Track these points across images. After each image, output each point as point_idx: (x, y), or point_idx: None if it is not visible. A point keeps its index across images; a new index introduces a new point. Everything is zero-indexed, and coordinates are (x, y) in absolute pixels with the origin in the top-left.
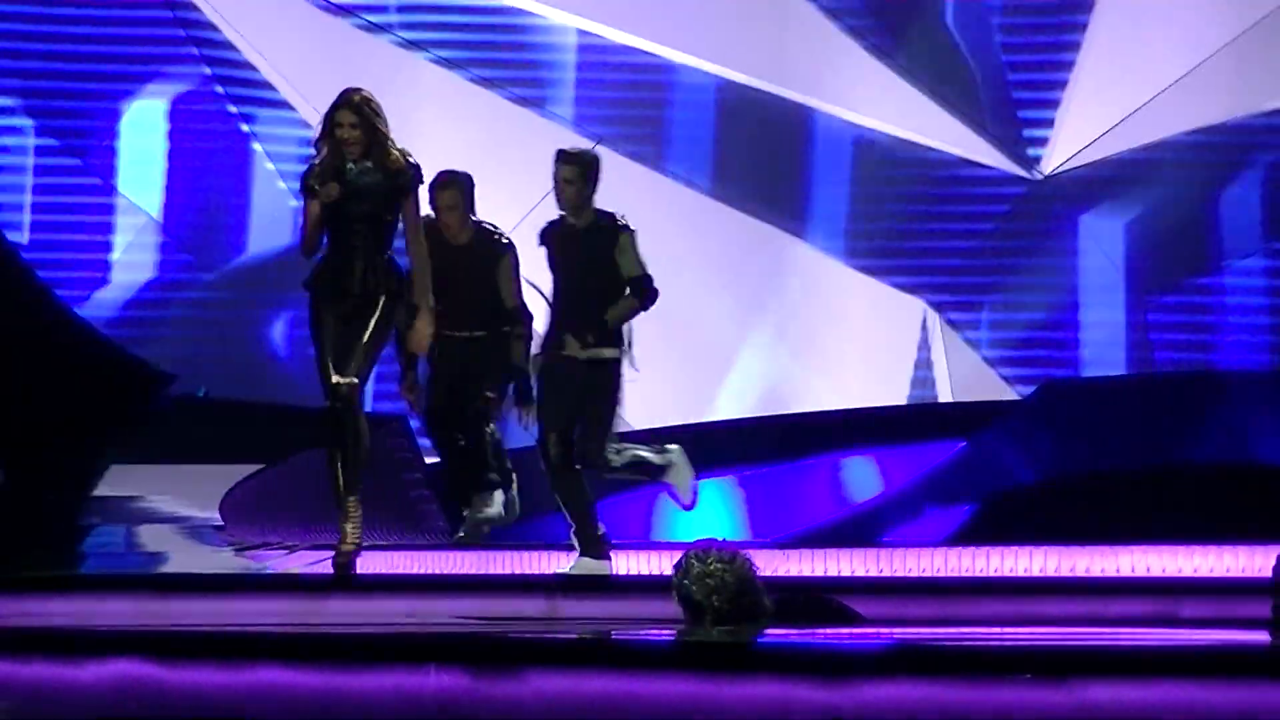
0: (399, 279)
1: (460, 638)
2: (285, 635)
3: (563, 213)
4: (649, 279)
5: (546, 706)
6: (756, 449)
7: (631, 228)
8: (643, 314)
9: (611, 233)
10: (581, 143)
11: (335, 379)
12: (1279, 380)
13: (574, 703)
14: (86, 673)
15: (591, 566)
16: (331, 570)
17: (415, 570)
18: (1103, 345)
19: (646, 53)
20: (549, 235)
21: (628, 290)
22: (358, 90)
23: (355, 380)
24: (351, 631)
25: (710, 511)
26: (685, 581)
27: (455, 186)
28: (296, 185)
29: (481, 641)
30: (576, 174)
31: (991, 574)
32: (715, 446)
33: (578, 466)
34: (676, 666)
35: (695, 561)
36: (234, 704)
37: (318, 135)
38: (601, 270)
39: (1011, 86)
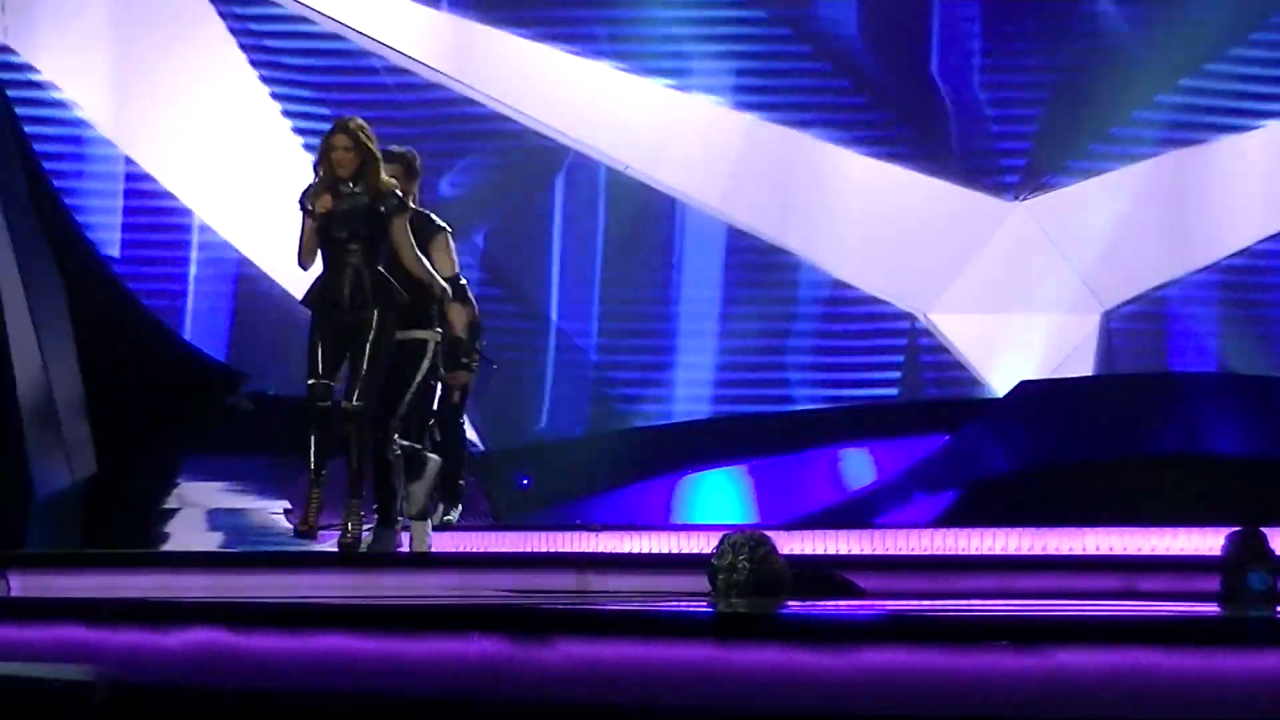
0: (392, 294)
1: (499, 609)
2: (344, 606)
3: None
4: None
5: (575, 670)
6: (767, 440)
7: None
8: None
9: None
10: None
11: (312, 380)
12: (1225, 382)
13: (600, 667)
14: (170, 640)
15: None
16: (339, 551)
17: (459, 549)
18: (1071, 351)
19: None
20: None
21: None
22: (353, 118)
23: (361, 403)
24: (403, 603)
25: (725, 497)
26: (716, 563)
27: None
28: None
29: (518, 612)
30: (400, 171)
31: (972, 552)
32: (731, 438)
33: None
34: (694, 635)
35: (728, 548)
36: (299, 668)
37: (316, 158)
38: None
39: (990, 121)
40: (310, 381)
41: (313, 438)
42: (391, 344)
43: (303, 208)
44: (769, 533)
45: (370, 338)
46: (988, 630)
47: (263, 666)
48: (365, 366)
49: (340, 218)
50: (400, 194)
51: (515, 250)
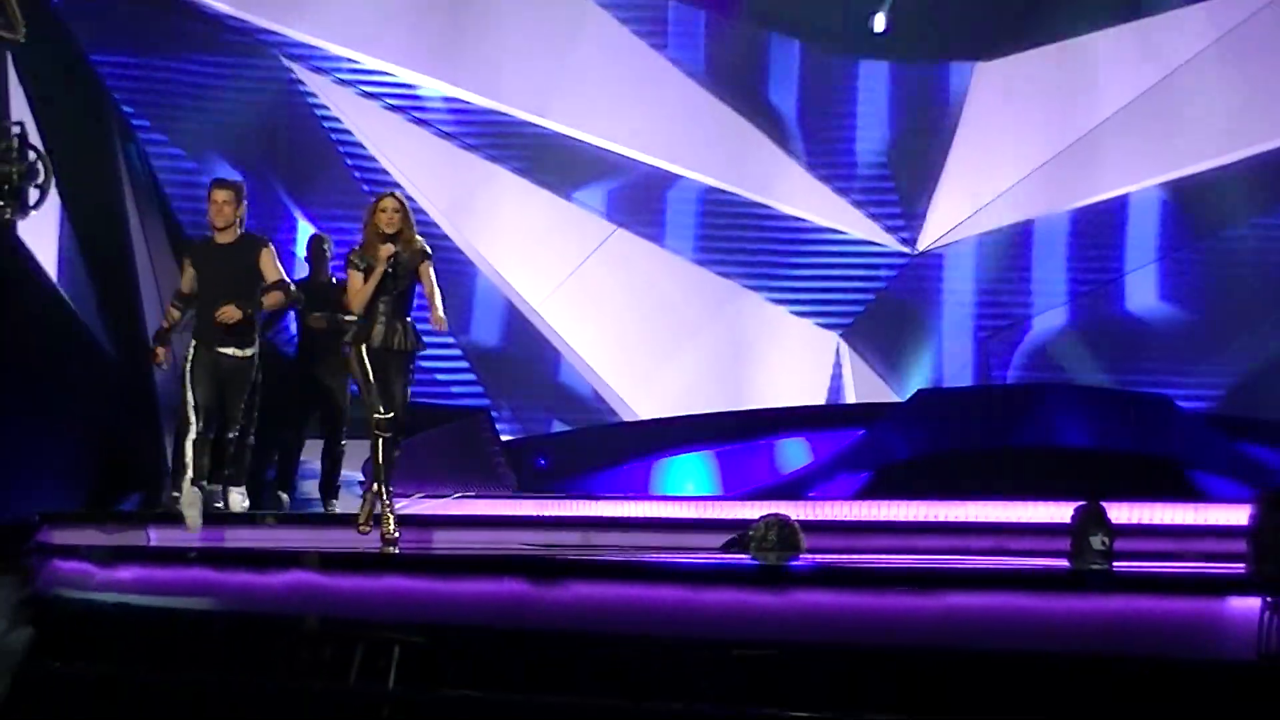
0: (418, 334)
1: (522, 558)
2: (405, 555)
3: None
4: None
5: (581, 605)
6: (727, 433)
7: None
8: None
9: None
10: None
11: (386, 414)
12: (1074, 390)
13: (601, 604)
14: (272, 580)
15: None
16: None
17: (492, 512)
18: (958, 366)
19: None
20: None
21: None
22: (393, 192)
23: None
24: (449, 553)
25: (696, 476)
26: (751, 534)
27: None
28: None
29: (537, 561)
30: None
31: (882, 519)
32: (700, 431)
33: None
34: (669, 579)
35: (764, 527)
36: (371, 603)
37: (364, 223)
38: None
39: (893, 177)
40: (386, 415)
41: (388, 452)
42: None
43: (351, 264)
44: (730, 502)
45: (410, 368)
46: (894, 578)
47: (344, 601)
48: (406, 395)
49: (403, 267)
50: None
51: None
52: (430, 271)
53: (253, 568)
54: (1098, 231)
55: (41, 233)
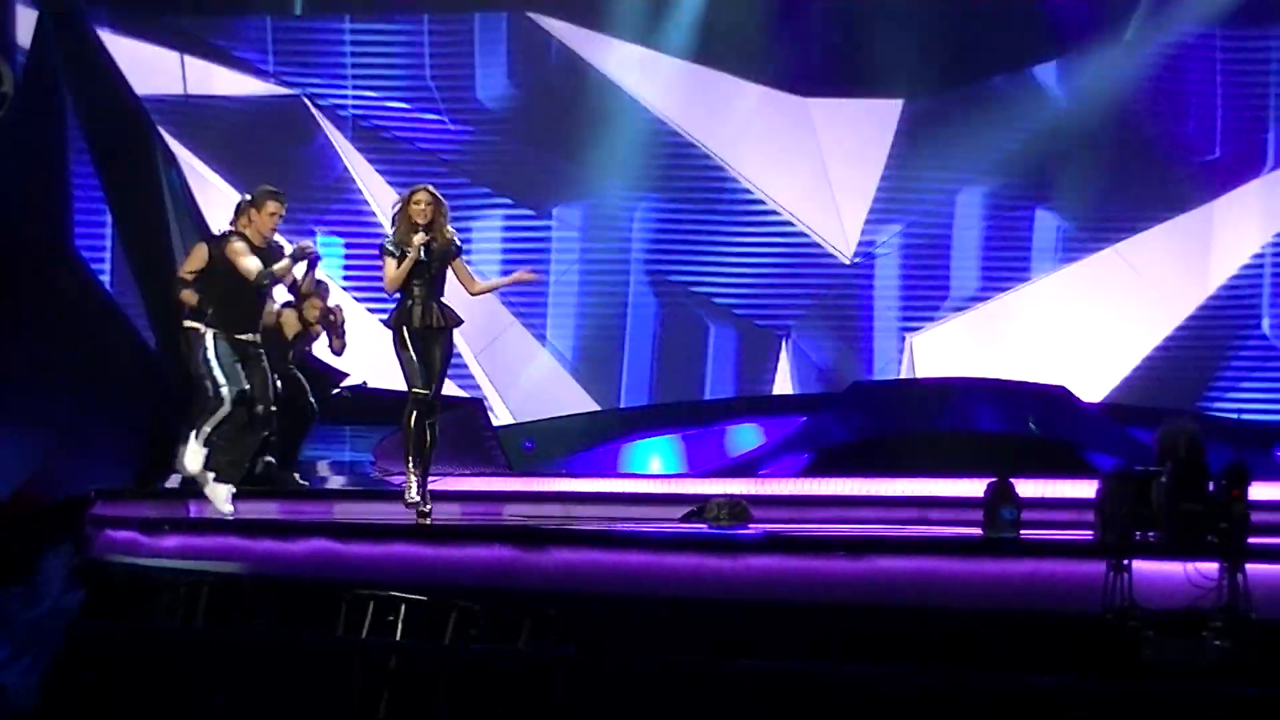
0: (453, 313)
1: (510, 527)
2: (411, 525)
3: None
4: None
5: (562, 569)
6: (687, 418)
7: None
8: None
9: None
10: None
11: (425, 391)
12: (987, 384)
13: (579, 567)
14: (295, 547)
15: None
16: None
17: (484, 488)
18: (888, 361)
19: None
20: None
21: None
22: (426, 186)
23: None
24: (448, 524)
25: (661, 456)
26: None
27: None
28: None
29: (523, 530)
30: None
31: (821, 494)
32: (664, 417)
33: None
34: (637, 547)
35: (715, 506)
36: (382, 566)
37: (395, 211)
38: None
39: (832, 197)
40: (424, 392)
41: (425, 428)
42: None
43: (386, 252)
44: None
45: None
46: (832, 545)
47: (358, 565)
48: (444, 372)
49: (435, 255)
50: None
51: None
52: (464, 266)
53: (277, 536)
54: (1006, 243)
55: (95, 246)
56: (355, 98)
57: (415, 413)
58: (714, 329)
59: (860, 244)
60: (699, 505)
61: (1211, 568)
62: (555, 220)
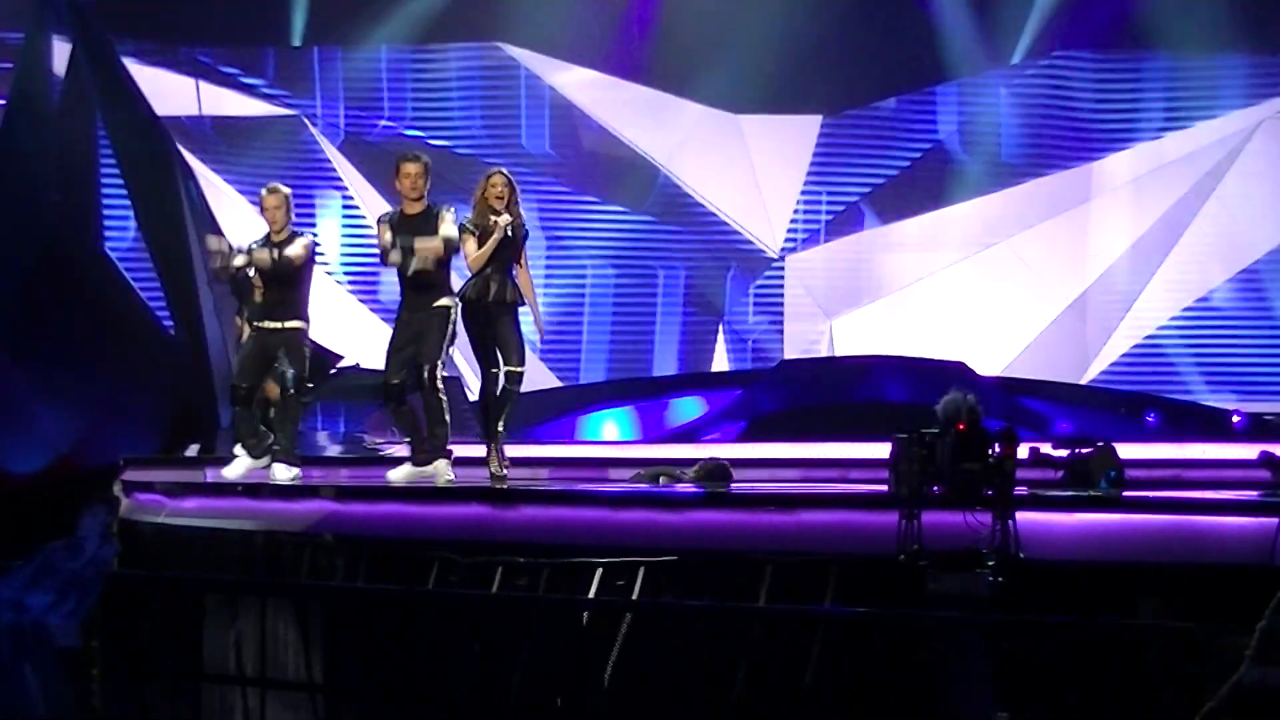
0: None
1: (484, 488)
2: (401, 488)
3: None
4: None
5: (530, 524)
6: (638, 392)
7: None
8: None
9: None
10: None
11: (519, 367)
12: (895, 361)
13: (544, 522)
14: (298, 506)
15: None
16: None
17: (461, 454)
18: (811, 341)
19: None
20: None
21: None
22: (501, 169)
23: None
24: (429, 486)
25: (619, 425)
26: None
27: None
28: None
29: (495, 490)
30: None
31: (755, 456)
32: (618, 391)
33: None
34: (591, 504)
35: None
36: (374, 524)
37: (476, 197)
38: None
39: (763, 200)
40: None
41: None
42: None
43: (467, 231)
44: (641, 445)
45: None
46: (764, 500)
47: (355, 522)
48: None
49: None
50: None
51: None
52: (524, 249)
53: (283, 497)
54: (916, 241)
55: (124, 249)
56: (348, 117)
57: (494, 388)
58: (661, 315)
59: (786, 240)
60: (641, 471)
61: (986, 517)
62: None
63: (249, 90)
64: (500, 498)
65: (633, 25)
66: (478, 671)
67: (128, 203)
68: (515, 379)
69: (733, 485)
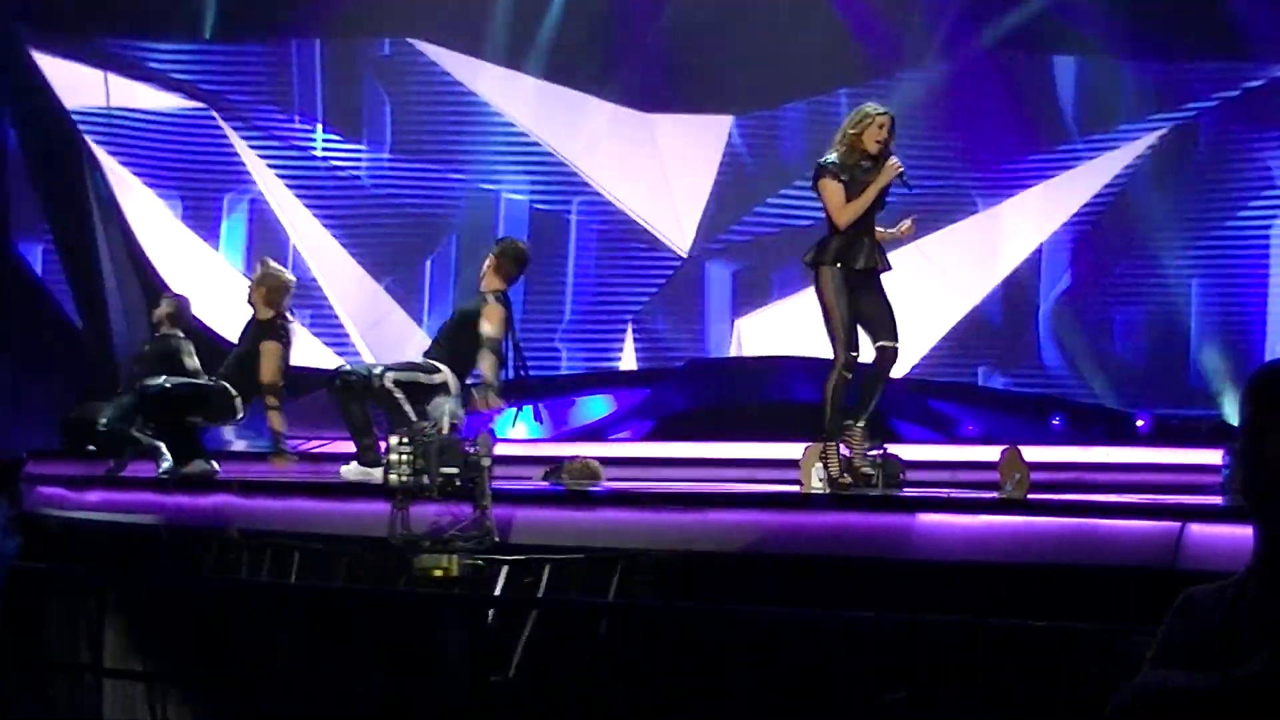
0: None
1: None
2: (304, 482)
3: None
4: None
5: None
6: (547, 390)
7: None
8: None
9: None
10: None
11: (894, 342)
12: (799, 362)
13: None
14: (203, 501)
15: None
16: None
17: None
18: (719, 342)
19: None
20: None
21: None
22: (887, 110)
23: None
24: (333, 482)
25: (524, 422)
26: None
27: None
28: None
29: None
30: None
31: (662, 455)
32: (526, 388)
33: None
34: (505, 502)
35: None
36: (279, 518)
37: (844, 134)
38: None
39: (673, 200)
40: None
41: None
42: None
43: (835, 176)
44: (549, 443)
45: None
46: (671, 499)
47: (254, 515)
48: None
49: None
50: None
51: None
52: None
53: (187, 491)
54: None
55: (30, 240)
56: (257, 113)
57: (840, 377)
58: (571, 314)
59: (696, 241)
60: (554, 465)
61: (466, 508)
62: (436, 222)
63: (159, 83)
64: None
65: (545, 21)
66: (390, 672)
67: (35, 197)
68: (891, 356)
69: (627, 484)
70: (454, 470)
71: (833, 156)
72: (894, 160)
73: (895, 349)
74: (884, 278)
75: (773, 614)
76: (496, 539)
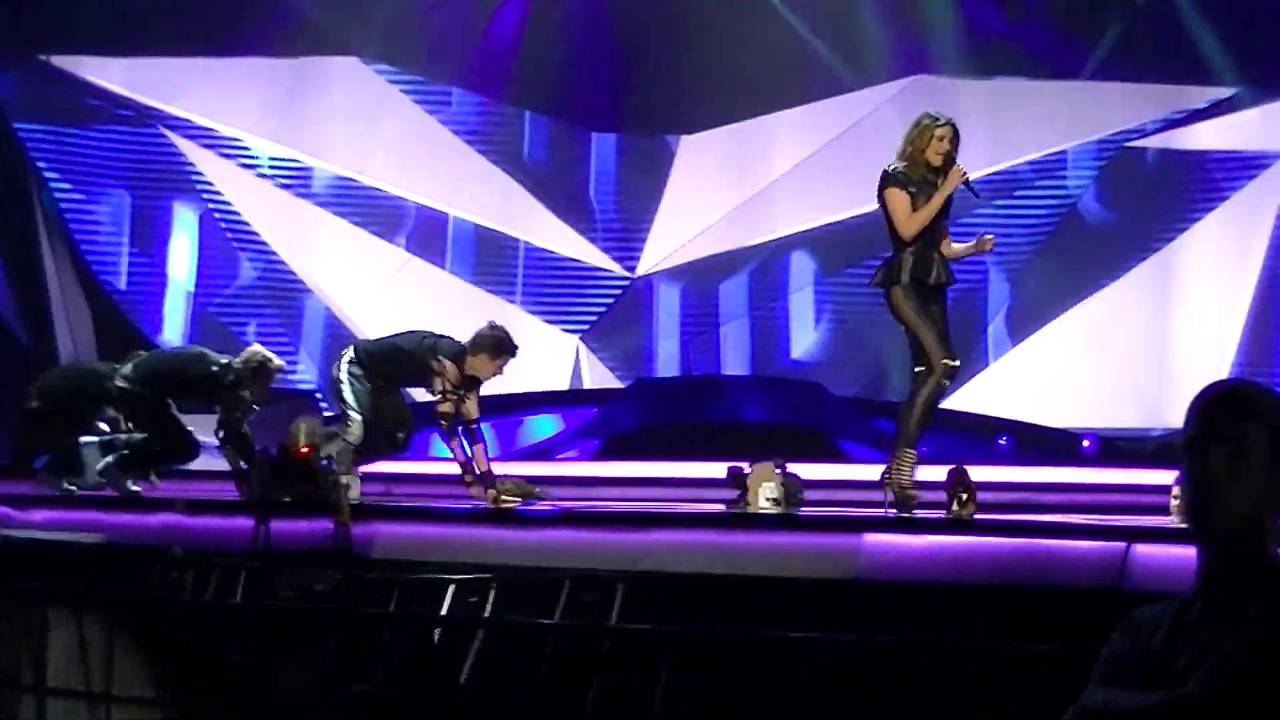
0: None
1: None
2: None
3: None
4: None
5: (386, 542)
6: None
7: None
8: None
9: None
10: None
11: (955, 361)
12: (750, 380)
13: (400, 538)
14: (149, 519)
15: None
16: None
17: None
18: (667, 361)
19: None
20: None
21: None
22: (951, 120)
23: None
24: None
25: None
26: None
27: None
28: None
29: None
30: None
31: (609, 475)
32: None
33: None
34: (450, 521)
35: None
36: (226, 538)
37: (909, 141)
38: None
39: (620, 220)
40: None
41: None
42: None
43: (903, 186)
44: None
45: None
46: (616, 518)
47: (203, 536)
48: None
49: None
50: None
51: None
52: None
53: (133, 510)
54: (766, 264)
55: None
56: (205, 128)
57: (938, 386)
58: (519, 333)
59: (643, 262)
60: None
61: (329, 523)
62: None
63: (106, 96)
64: (358, 514)
65: (492, 41)
66: (337, 688)
67: None
68: (952, 373)
69: (573, 503)
70: (310, 487)
71: (899, 165)
72: (959, 166)
73: (958, 366)
74: (820, 298)
75: (720, 634)
76: (355, 553)
